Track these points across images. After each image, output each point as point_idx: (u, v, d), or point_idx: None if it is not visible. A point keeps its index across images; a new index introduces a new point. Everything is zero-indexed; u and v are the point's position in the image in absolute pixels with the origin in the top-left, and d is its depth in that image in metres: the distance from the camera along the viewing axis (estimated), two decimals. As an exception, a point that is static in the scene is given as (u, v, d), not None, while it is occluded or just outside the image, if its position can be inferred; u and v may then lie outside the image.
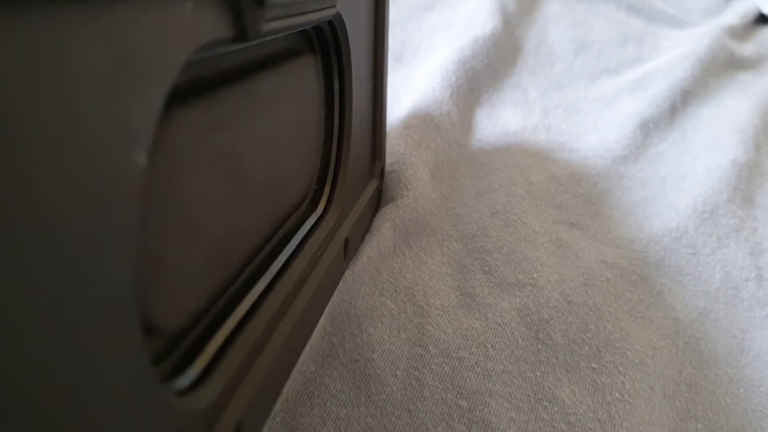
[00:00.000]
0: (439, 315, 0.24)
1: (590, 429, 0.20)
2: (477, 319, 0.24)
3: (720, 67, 0.47)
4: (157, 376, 0.11)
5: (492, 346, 0.23)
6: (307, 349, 0.22)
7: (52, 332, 0.08)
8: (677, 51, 0.48)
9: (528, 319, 0.24)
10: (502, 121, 0.40)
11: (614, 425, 0.21)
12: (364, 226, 0.27)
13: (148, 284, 0.11)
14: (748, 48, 0.51)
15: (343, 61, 0.21)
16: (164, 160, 0.11)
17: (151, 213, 0.11)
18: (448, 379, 0.22)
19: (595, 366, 0.22)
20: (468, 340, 0.23)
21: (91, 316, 0.09)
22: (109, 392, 0.09)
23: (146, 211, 0.10)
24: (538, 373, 0.22)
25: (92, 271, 0.08)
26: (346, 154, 0.23)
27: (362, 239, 0.27)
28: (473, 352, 0.23)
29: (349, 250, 0.25)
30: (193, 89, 0.12)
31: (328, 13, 0.18)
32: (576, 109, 0.42)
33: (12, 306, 0.07)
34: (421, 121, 0.35)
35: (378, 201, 0.30)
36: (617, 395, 0.22)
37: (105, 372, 0.09)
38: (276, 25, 0.14)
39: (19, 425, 0.07)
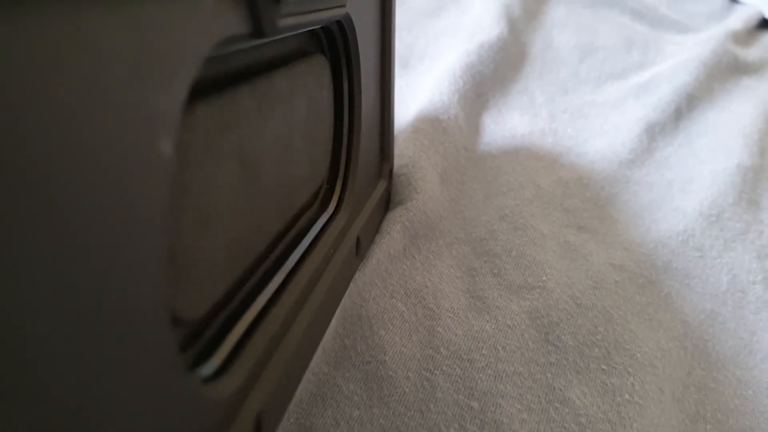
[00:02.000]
0: (450, 317, 0.24)
1: (601, 430, 0.21)
2: (487, 322, 0.24)
3: (724, 71, 0.47)
4: (183, 364, 0.11)
5: (503, 348, 0.23)
6: (319, 350, 0.22)
7: (83, 320, 0.08)
8: (682, 56, 0.48)
9: (538, 322, 0.24)
10: (509, 125, 0.41)
11: (624, 426, 0.21)
12: (375, 226, 0.28)
13: (174, 273, 0.11)
14: (751, 53, 0.51)
15: (351, 61, 0.21)
16: (187, 153, 0.11)
17: (176, 204, 0.11)
18: (459, 380, 0.22)
19: (605, 368, 0.23)
20: (479, 342, 0.23)
21: (122, 303, 0.09)
22: (139, 378, 0.10)
23: (172, 202, 0.10)
24: (548, 375, 0.22)
25: (124, 259, 0.09)
26: (355, 154, 0.23)
27: (372, 240, 0.27)
28: (484, 354, 0.23)
29: (361, 249, 0.25)
30: (211, 86, 0.13)
31: (339, 13, 0.18)
32: (582, 114, 0.43)
33: (44, 295, 0.07)
34: (429, 125, 0.35)
35: (387, 202, 0.30)
36: (627, 396, 0.22)
37: (135, 358, 0.09)
38: (291, 21, 0.14)
39: (52, 408, 0.08)
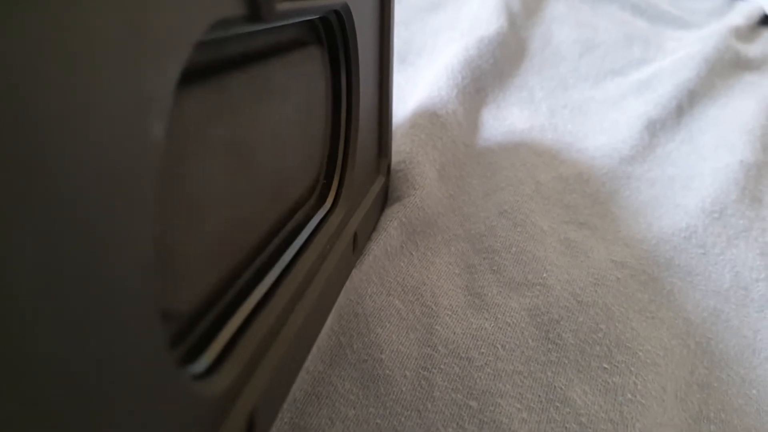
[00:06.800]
0: (448, 315, 0.24)
1: (603, 430, 0.20)
2: (486, 319, 0.24)
3: (726, 67, 0.46)
4: (173, 360, 0.11)
5: (502, 346, 0.23)
6: (314, 349, 0.22)
7: (71, 315, 0.08)
8: (683, 52, 0.48)
9: (538, 319, 0.24)
10: (508, 120, 0.40)
11: (627, 426, 0.20)
12: (372, 223, 0.27)
13: (164, 266, 0.11)
14: (753, 49, 0.51)
15: (350, 53, 0.21)
16: (178, 139, 0.11)
17: (165, 193, 0.11)
18: (457, 379, 0.21)
19: (606, 366, 0.22)
20: (477, 340, 0.23)
21: (109, 296, 0.08)
22: (128, 374, 0.09)
23: (160, 189, 0.10)
24: (549, 374, 0.22)
25: (109, 248, 0.08)
26: (353, 149, 0.23)
27: (370, 237, 0.27)
28: (483, 353, 0.22)
29: (358, 245, 0.24)
30: (205, 71, 0.12)
31: (337, 2, 0.18)
32: (582, 110, 0.42)
33: (29, 289, 0.07)
34: (428, 121, 0.34)
35: (385, 198, 0.30)
36: (629, 396, 0.21)
37: (123, 354, 0.09)
38: (288, 6, 0.14)
39: (39, 406, 0.07)
